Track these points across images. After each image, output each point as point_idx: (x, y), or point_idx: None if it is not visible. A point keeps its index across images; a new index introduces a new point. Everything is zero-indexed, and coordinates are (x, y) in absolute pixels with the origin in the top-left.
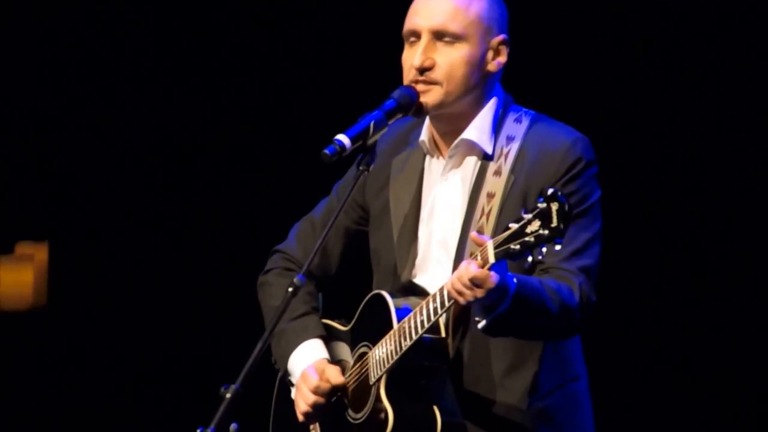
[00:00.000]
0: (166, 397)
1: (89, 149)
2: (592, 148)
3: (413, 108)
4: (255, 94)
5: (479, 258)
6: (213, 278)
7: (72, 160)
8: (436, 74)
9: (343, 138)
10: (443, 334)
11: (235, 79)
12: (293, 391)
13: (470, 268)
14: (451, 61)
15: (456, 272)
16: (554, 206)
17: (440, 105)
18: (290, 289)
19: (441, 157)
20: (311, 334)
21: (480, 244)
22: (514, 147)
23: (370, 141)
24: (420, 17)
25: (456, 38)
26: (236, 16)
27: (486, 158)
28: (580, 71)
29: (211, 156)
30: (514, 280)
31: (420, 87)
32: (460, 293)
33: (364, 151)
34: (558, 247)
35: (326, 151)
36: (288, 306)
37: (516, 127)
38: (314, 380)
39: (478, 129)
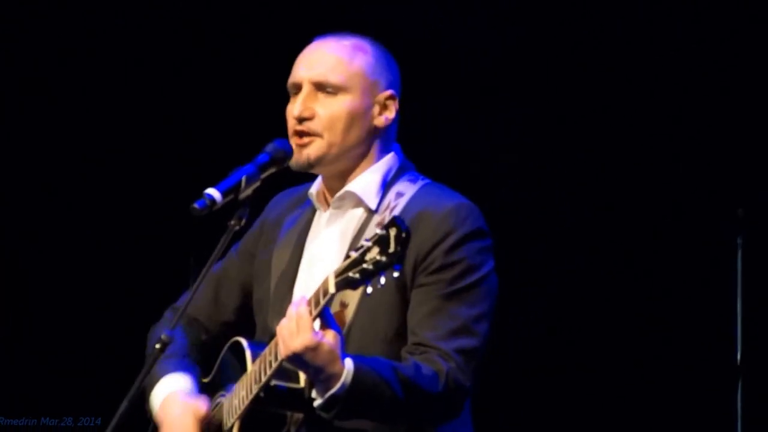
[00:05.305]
0: None
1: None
2: (480, 217)
3: (287, 162)
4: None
5: (321, 288)
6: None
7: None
8: (315, 125)
9: (213, 192)
10: (302, 384)
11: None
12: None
13: (300, 308)
14: (331, 112)
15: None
16: (392, 232)
17: (322, 158)
18: (157, 346)
19: (328, 209)
20: (173, 370)
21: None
22: (401, 202)
23: (242, 195)
24: (302, 69)
25: (337, 89)
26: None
27: (371, 212)
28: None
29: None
30: (350, 360)
31: (301, 140)
32: (283, 339)
33: (236, 206)
34: (396, 274)
35: (196, 205)
36: (155, 363)
37: (408, 186)
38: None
39: (365, 183)
